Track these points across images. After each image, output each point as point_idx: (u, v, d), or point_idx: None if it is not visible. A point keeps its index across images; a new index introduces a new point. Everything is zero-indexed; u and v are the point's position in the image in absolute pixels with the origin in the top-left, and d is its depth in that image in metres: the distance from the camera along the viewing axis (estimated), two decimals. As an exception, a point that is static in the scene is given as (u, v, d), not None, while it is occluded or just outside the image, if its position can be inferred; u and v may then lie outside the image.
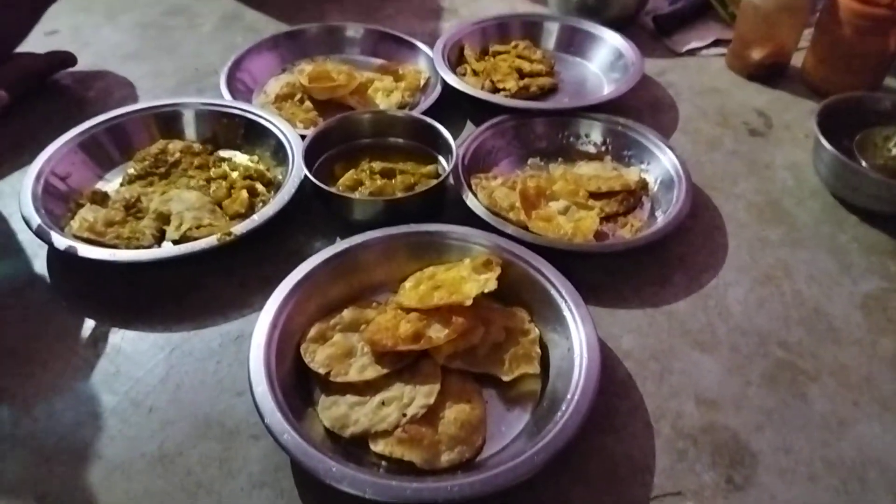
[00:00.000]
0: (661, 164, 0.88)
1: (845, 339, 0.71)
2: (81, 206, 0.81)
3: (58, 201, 0.81)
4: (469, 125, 1.01)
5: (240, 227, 0.75)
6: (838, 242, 0.82)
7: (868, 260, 0.80)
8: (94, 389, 0.65)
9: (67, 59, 1.06)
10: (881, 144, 0.90)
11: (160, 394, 0.65)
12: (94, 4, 1.30)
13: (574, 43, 1.15)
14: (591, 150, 0.94)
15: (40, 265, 0.77)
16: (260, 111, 0.92)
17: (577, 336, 0.64)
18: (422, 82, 1.06)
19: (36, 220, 0.74)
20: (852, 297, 0.76)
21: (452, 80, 1.01)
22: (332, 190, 0.80)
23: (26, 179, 0.79)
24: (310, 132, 0.86)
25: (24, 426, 0.62)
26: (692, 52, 1.19)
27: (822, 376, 0.68)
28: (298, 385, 0.64)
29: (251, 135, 0.92)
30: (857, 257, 0.80)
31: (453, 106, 1.00)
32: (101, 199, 0.81)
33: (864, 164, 0.88)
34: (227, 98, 0.96)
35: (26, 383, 0.65)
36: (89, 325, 0.71)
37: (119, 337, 0.69)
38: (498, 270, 0.69)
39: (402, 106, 1.02)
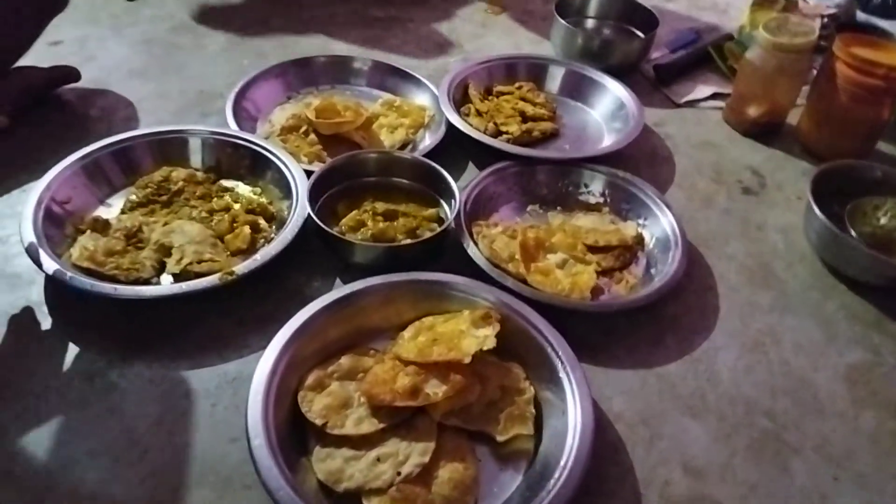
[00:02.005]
0: (658, 222, 0.90)
1: (829, 411, 0.73)
2: (82, 231, 0.81)
3: (58, 227, 0.80)
4: (471, 166, 1.02)
5: (242, 267, 0.75)
6: (826, 311, 0.85)
7: (853, 330, 0.82)
8: (88, 427, 0.65)
9: (71, 74, 1.05)
10: (870, 213, 0.92)
11: (155, 435, 0.65)
12: (100, 16, 1.29)
13: (578, 88, 1.17)
14: (591, 200, 0.96)
15: (37, 292, 0.77)
16: (265, 143, 0.93)
17: (572, 400, 0.65)
18: (426, 120, 1.07)
19: (30, 240, 0.74)
20: (837, 368, 0.78)
21: (457, 121, 1.02)
22: (335, 233, 0.81)
23: (27, 205, 0.78)
24: (315, 171, 0.87)
25: (17, 462, 0.61)
26: (691, 104, 1.22)
27: (805, 449, 0.70)
28: (294, 432, 0.65)
29: (255, 166, 0.92)
30: (844, 327, 0.83)
31: (456, 145, 1.01)
32: (102, 227, 0.81)
33: (853, 232, 0.91)
34: (232, 126, 0.97)
35: (20, 418, 0.65)
36: (85, 357, 0.71)
37: (115, 374, 0.69)
38: (497, 327, 0.70)
39: (405, 143, 1.03)
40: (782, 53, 1.04)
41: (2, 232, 0.83)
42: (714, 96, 1.24)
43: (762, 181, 1.05)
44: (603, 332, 0.79)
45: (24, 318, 0.74)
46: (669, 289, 0.80)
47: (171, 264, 0.78)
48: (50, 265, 0.72)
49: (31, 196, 0.80)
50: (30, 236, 0.75)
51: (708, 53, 1.31)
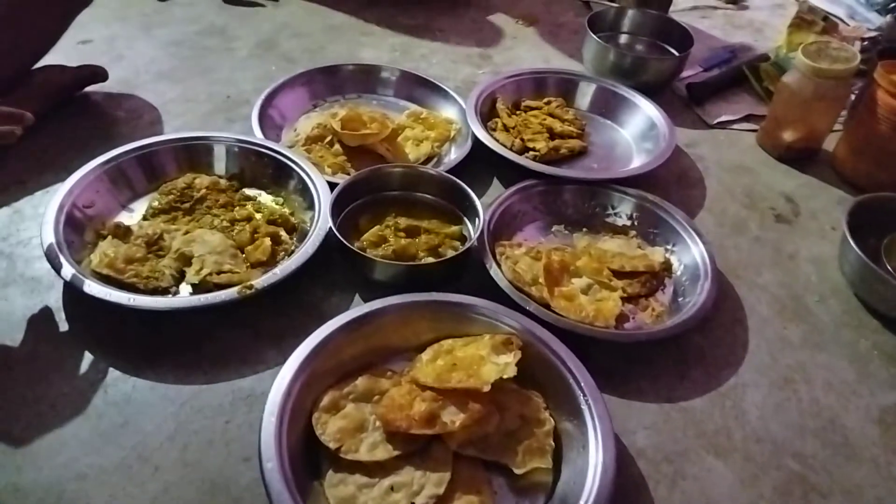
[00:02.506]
0: (687, 249, 0.87)
1: (860, 456, 0.70)
2: (103, 236, 0.81)
3: (79, 231, 0.80)
4: (496, 182, 1.00)
5: (261, 281, 0.74)
6: (858, 349, 0.82)
7: (888, 371, 0.79)
8: (101, 440, 0.64)
9: (98, 73, 1.05)
10: (908, 248, 0.89)
11: (167, 452, 0.64)
12: (130, 14, 1.29)
13: (608, 106, 1.15)
14: (618, 223, 0.94)
15: (56, 297, 0.76)
16: (289, 153, 0.92)
17: (593, 434, 0.63)
18: (452, 133, 1.05)
19: (49, 242, 0.74)
20: (869, 410, 0.75)
21: (483, 136, 1.00)
22: (356, 248, 0.80)
23: (49, 208, 0.78)
24: (339, 184, 0.86)
25: (28, 474, 0.61)
26: (723, 125, 1.19)
27: (833, 494, 0.67)
28: (307, 453, 0.64)
29: (279, 176, 0.91)
30: (877, 367, 0.80)
31: (482, 160, 1.00)
32: (124, 233, 0.81)
33: (889, 266, 0.88)
34: (258, 134, 0.96)
35: (33, 427, 0.64)
36: (100, 367, 0.70)
37: (130, 385, 0.69)
38: (518, 354, 0.69)
39: (430, 156, 1.02)
40: (821, 79, 1.01)
41: (24, 234, 0.83)
42: (748, 118, 1.21)
43: (796, 209, 1.02)
44: (627, 362, 0.76)
45: (41, 323, 0.74)
46: (697, 320, 0.77)
47: (191, 274, 0.77)
48: (68, 271, 0.72)
49: (53, 199, 0.79)
50: (50, 240, 0.74)
51: (742, 73, 1.28)
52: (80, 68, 1.04)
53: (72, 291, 0.75)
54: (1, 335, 0.72)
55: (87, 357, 0.71)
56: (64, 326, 0.73)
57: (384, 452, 0.63)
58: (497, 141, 1.01)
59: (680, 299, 0.83)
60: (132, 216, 0.86)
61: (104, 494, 0.60)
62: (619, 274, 0.85)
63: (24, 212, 0.87)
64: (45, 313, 0.75)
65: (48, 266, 0.74)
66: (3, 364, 0.69)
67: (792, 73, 1.05)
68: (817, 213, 1.02)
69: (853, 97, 1.16)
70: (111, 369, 0.70)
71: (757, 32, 1.51)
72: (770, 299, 0.87)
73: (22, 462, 0.62)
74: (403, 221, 0.87)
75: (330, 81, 1.13)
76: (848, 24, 1.38)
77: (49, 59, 0.99)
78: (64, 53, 1.03)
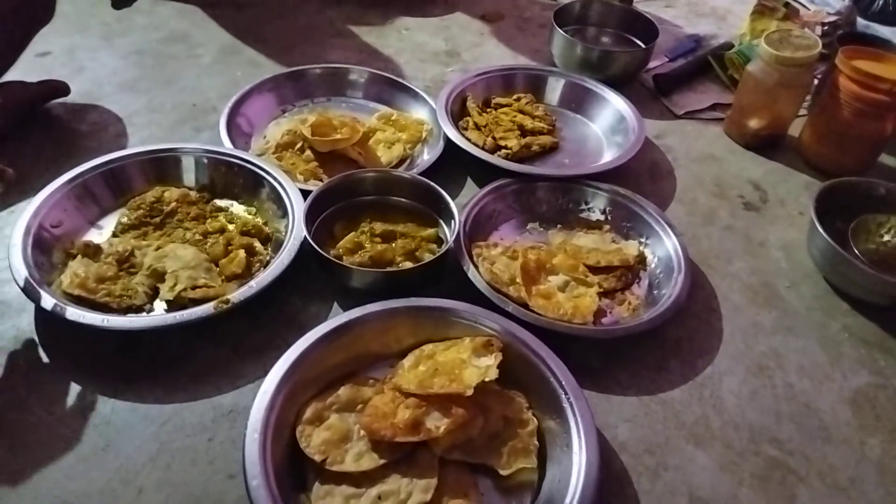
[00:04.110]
0: (661, 242, 0.88)
1: (834, 438, 0.72)
2: (72, 255, 0.79)
3: (47, 253, 0.78)
4: (469, 182, 1.00)
5: (237, 295, 0.74)
6: (829, 332, 0.84)
7: (858, 352, 0.81)
8: (82, 465, 0.63)
9: (60, 88, 1.03)
10: (874, 231, 0.92)
11: (150, 472, 0.63)
12: (90, 24, 1.26)
13: (577, 100, 1.15)
14: (592, 218, 0.95)
15: (27, 321, 0.75)
16: (260, 162, 0.91)
17: (576, 432, 0.64)
18: (423, 134, 1.05)
19: (24, 276, 0.72)
20: (842, 392, 0.77)
21: (455, 136, 1.00)
22: (332, 257, 0.79)
23: (16, 231, 0.76)
24: (312, 192, 0.85)
25: (11, 503, 0.60)
26: (691, 115, 1.20)
27: (810, 477, 0.69)
28: (292, 467, 0.63)
29: (250, 185, 0.90)
30: (848, 349, 0.82)
31: (454, 159, 1.00)
32: (94, 251, 0.79)
33: (856, 249, 0.90)
34: (226, 144, 0.95)
35: (11, 455, 0.63)
36: (78, 391, 0.69)
37: (109, 407, 0.68)
38: (499, 356, 0.69)
39: (403, 159, 1.02)
40: (784, 67, 1.03)
41: (-9, 255, 0.81)
42: (714, 107, 1.22)
43: (764, 196, 1.04)
44: (605, 357, 0.77)
45: (14, 348, 0.72)
46: (672, 313, 0.78)
47: (165, 291, 0.76)
48: (48, 301, 0.70)
49: (20, 220, 0.78)
50: (22, 269, 0.73)
51: (708, 63, 1.30)
52: (41, 84, 1.02)
53: (44, 314, 0.74)
54: (-28, 362, 0.71)
55: (64, 381, 0.70)
56: (38, 351, 0.72)
57: (370, 462, 0.63)
58: (469, 140, 1.01)
59: (655, 292, 0.84)
60: (101, 233, 0.84)
61: (88, 521, 0.59)
62: (594, 269, 0.86)
63: (-12, 234, 0.85)
64: (18, 338, 0.73)
65: (17, 290, 0.73)
66: (-25, 392, 0.68)
67: (756, 62, 1.07)
68: (785, 199, 1.04)
69: (816, 82, 1.18)
70: (88, 392, 0.69)
71: (720, 20, 1.53)
72: (742, 287, 0.88)
73: (4, 488, 0.60)
74: (379, 227, 0.86)
75: (298, 86, 1.11)
76: (808, 9, 1.41)
77: (8, 74, 0.96)
78: (22, 67, 0.99)
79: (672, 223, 0.90)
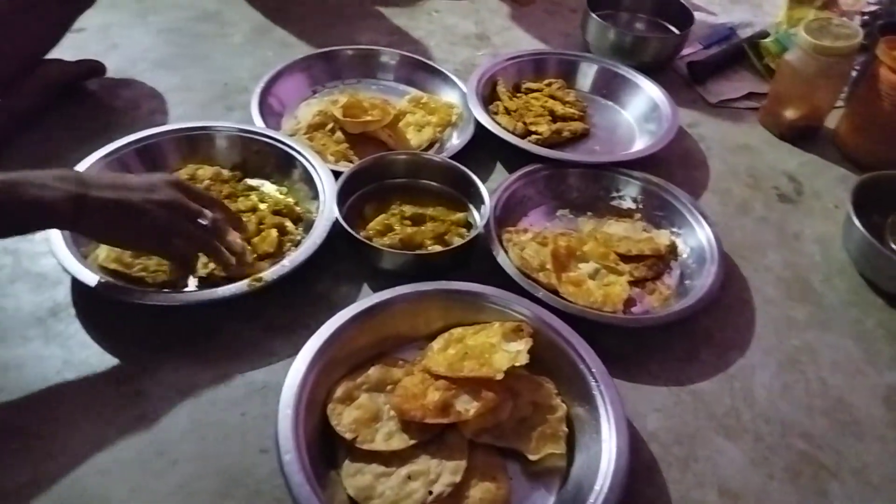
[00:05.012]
0: (693, 232, 0.87)
1: (868, 434, 0.72)
2: (108, 230, 0.80)
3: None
4: (499, 166, 1.00)
5: (270, 273, 0.74)
6: (864, 328, 0.82)
7: (893, 349, 0.80)
8: (118, 435, 0.64)
9: (97, 68, 1.04)
10: (912, 226, 0.90)
11: (185, 445, 0.64)
12: (123, 2, 1.27)
13: (609, 87, 1.14)
14: (623, 206, 0.94)
15: (64, 293, 0.76)
16: (292, 142, 0.91)
17: (606, 419, 0.64)
18: (453, 118, 1.04)
19: (64, 251, 0.73)
20: (876, 388, 0.76)
21: (486, 120, 1.00)
22: (363, 238, 0.80)
23: (55, 203, 0.77)
24: (344, 172, 0.85)
25: (47, 472, 0.61)
26: (725, 104, 1.18)
27: (843, 473, 0.68)
28: (323, 444, 0.64)
29: (282, 165, 0.91)
30: (883, 345, 0.81)
31: (484, 144, 0.99)
32: (129, 227, 0.80)
33: (893, 244, 0.88)
34: (258, 123, 0.95)
35: (49, 425, 0.64)
36: (113, 362, 0.70)
37: (144, 379, 0.69)
38: (529, 341, 0.69)
39: (433, 142, 1.01)
40: (823, 57, 1.00)
41: (28, 229, 0.82)
42: (749, 96, 1.20)
43: (799, 188, 1.02)
44: (635, 346, 0.77)
45: (50, 319, 0.73)
46: (705, 304, 0.78)
47: (199, 267, 0.77)
48: (91, 277, 0.71)
49: (57, 194, 0.79)
50: (60, 242, 0.73)
51: (743, 51, 1.27)
52: (78, 63, 1.03)
53: (80, 287, 0.75)
54: (10, 332, 0.72)
55: (99, 352, 0.71)
56: (74, 323, 0.73)
57: (400, 442, 0.63)
58: (499, 125, 1.01)
59: (687, 282, 0.83)
60: (136, 209, 0.85)
61: (125, 489, 0.60)
62: (625, 258, 0.85)
63: (26, 207, 0.86)
64: (54, 310, 0.74)
65: (54, 262, 0.74)
66: (14, 362, 0.69)
67: (794, 50, 1.05)
68: (820, 191, 1.02)
69: (855, 73, 1.15)
70: (124, 365, 0.70)
71: (756, 8, 1.50)
72: (775, 280, 0.87)
73: (42, 458, 0.62)
74: (409, 209, 0.86)
75: (329, 67, 1.11)
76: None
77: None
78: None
79: (706, 213, 0.88)
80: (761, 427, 0.71)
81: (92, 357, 0.70)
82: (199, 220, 0.70)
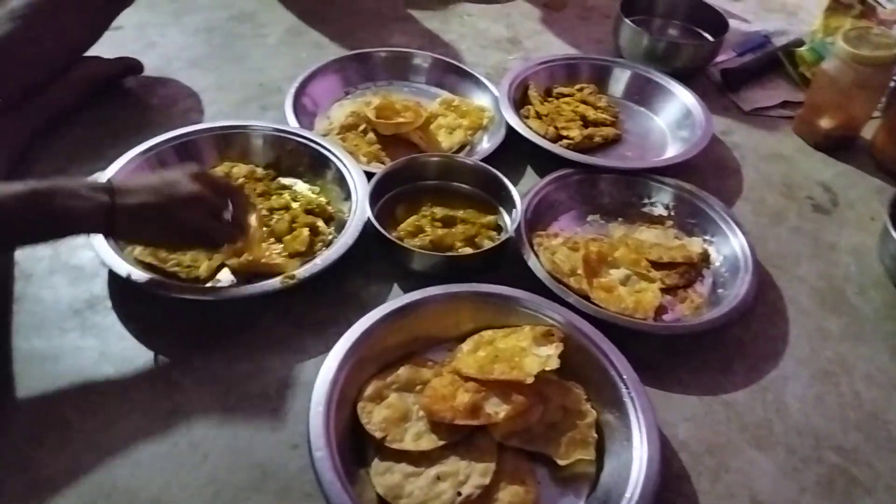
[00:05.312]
0: (727, 240, 0.87)
1: (903, 450, 0.70)
2: (144, 225, 0.81)
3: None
4: (529, 170, 1.00)
5: (302, 271, 0.75)
6: (900, 341, 0.81)
7: (930, 364, 0.79)
8: (152, 427, 0.65)
9: (134, 66, 1.06)
10: (951, 239, 0.88)
11: (216, 438, 0.65)
12: (159, 1, 1.29)
13: (642, 93, 1.13)
14: (654, 212, 0.93)
15: (101, 286, 0.77)
16: (325, 142, 0.92)
17: (637, 427, 0.64)
18: (484, 121, 1.05)
19: (102, 244, 0.74)
20: (912, 403, 0.75)
21: (517, 124, 1.00)
22: (395, 239, 0.80)
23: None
24: (377, 173, 0.86)
25: (85, 462, 0.62)
26: (759, 112, 1.17)
27: (877, 489, 0.67)
28: (353, 442, 0.64)
29: (315, 165, 0.92)
30: (919, 360, 0.79)
31: (514, 147, 0.99)
32: (166, 222, 0.81)
33: (931, 258, 0.87)
34: (292, 123, 0.96)
35: (86, 414, 0.66)
36: (147, 355, 0.71)
37: (177, 372, 0.70)
38: (560, 346, 0.69)
39: (463, 145, 1.02)
40: (861, 66, 0.99)
41: (67, 222, 0.84)
42: (784, 105, 1.19)
43: (834, 198, 1.01)
44: (666, 354, 0.76)
45: (87, 311, 0.75)
46: (739, 313, 0.77)
47: (232, 263, 0.78)
48: (127, 270, 0.72)
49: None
50: (101, 241, 0.75)
51: (778, 59, 1.26)
52: (116, 61, 1.05)
53: (117, 280, 0.76)
54: (49, 323, 0.73)
55: (134, 344, 0.72)
56: (110, 315, 0.74)
57: (429, 442, 0.64)
58: (530, 129, 1.01)
59: (719, 291, 0.82)
60: (171, 205, 0.86)
61: (158, 480, 0.61)
62: (656, 265, 0.84)
63: (65, 200, 0.87)
64: (91, 301, 0.76)
65: (92, 255, 0.75)
66: (51, 353, 0.70)
67: (831, 59, 1.03)
68: (855, 202, 1.00)
69: (893, 84, 1.13)
70: (158, 357, 0.71)
71: (791, 16, 1.48)
72: (810, 291, 0.86)
73: (77, 448, 0.63)
74: (440, 211, 0.87)
75: (362, 68, 1.12)
76: (885, 7, 1.35)
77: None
78: (95, 40, 1.03)
79: (739, 221, 0.88)
80: (794, 439, 0.70)
81: (128, 349, 0.71)
82: (223, 214, 0.73)
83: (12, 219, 0.61)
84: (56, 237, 0.67)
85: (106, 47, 1.05)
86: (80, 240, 0.80)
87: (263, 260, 0.78)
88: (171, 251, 0.78)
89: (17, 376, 0.68)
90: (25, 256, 0.80)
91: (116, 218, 0.65)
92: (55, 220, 0.63)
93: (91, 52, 1.00)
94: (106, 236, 0.70)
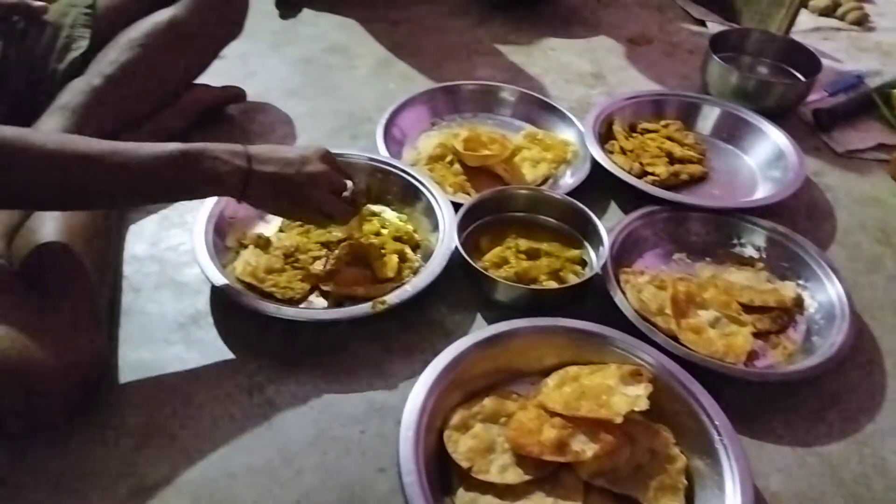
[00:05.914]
0: (822, 286, 0.84)
1: None
2: (244, 246, 0.86)
3: (222, 237, 0.85)
4: (613, 205, 1.00)
5: (393, 297, 0.77)
6: None
7: None
8: (247, 441, 0.68)
9: (239, 94, 1.13)
10: None
11: (308, 456, 0.67)
12: (260, 32, 1.36)
13: (731, 131, 1.12)
14: (745, 254, 0.91)
15: (204, 302, 0.82)
16: (414, 171, 0.95)
17: (729, 476, 0.62)
18: (568, 155, 1.05)
19: (207, 262, 0.79)
20: None
21: (602, 159, 1.00)
22: (481, 269, 0.81)
23: (199, 218, 0.84)
24: (465, 203, 0.88)
25: (182, 470, 0.65)
26: (852, 154, 1.14)
27: None
28: (438, 469, 0.65)
29: (404, 193, 0.94)
30: None
31: (598, 182, 0.99)
32: (265, 244, 0.85)
33: None
34: (382, 152, 0.99)
35: (186, 426, 0.69)
36: (245, 371, 0.75)
37: (272, 389, 0.73)
38: (650, 387, 0.68)
39: (547, 178, 1.03)
40: (970, 110, 0.95)
41: (173, 240, 0.89)
42: (878, 147, 1.15)
43: (934, 247, 0.96)
44: (757, 401, 0.74)
45: (191, 326, 0.79)
46: (836, 363, 0.74)
47: (325, 287, 0.81)
48: (230, 288, 0.77)
49: (202, 210, 0.85)
50: (205, 255, 0.80)
51: (871, 100, 1.22)
52: (224, 89, 1.11)
53: (219, 297, 0.80)
54: (155, 335, 0.78)
55: (234, 360, 0.76)
56: (213, 330, 0.78)
57: (515, 476, 0.64)
58: (615, 164, 1.01)
59: (814, 338, 0.80)
60: (268, 226, 0.91)
61: (252, 494, 0.64)
62: (747, 308, 0.82)
63: (171, 218, 0.93)
64: (195, 317, 0.80)
65: (196, 271, 0.80)
66: (157, 364, 0.75)
67: (935, 102, 1.00)
68: (959, 252, 0.96)
69: None
70: (255, 374, 0.74)
71: (885, 56, 1.44)
72: (909, 343, 0.82)
73: (177, 458, 0.66)
74: (524, 243, 0.88)
75: (449, 100, 1.15)
76: None
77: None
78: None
79: (836, 267, 0.85)
80: (893, 498, 0.67)
81: (227, 364, 0.75)
82: (343, 193, 0.79)
83: (164, 175, 0.68)
84: (197, 196, 0.74)
85: (211, 75, 1.12)
86: (185, 257, 0.86)
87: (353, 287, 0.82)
88: (291, 220, 0.86)
89: (124, 385, 0.73)
90: (134, 271, 0.85)
91: (251, 183, 0.71)
92: (200, 180, 0.70)
93: (198, 80, 1.07)
94: (239, 199, 0.74)
